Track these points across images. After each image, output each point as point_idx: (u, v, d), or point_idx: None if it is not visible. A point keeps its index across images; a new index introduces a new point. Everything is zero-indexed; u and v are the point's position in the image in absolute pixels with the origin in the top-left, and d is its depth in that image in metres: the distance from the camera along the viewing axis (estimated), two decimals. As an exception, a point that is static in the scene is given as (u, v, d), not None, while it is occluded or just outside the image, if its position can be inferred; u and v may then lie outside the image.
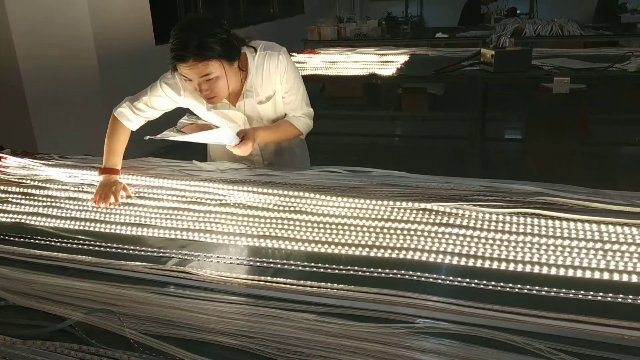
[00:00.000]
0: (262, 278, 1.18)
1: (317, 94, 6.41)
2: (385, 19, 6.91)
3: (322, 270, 1.21)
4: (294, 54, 4.63)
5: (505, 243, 1.27)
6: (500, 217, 1.39)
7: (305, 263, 1.24)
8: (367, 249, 1.28)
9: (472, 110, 4.04)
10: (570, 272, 1.14)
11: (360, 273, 1.18)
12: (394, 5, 8.90)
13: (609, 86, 4.94)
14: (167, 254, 1.33)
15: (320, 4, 9.44)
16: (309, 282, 1.14)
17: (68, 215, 1.60)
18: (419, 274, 1.16)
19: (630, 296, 1.04)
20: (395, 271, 1.18)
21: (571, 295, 1.06)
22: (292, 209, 1.52)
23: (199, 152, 1.99)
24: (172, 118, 1.91)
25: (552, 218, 1.37)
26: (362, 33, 6.31)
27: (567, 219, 1.35)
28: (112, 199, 1.64)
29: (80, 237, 1.45)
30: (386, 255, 1.26)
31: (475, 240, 1.29)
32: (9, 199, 1.73)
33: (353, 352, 0.91)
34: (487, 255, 1.23)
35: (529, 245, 1.25)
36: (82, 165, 1.95)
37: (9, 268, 1.27)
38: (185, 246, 1.37)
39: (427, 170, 1.69)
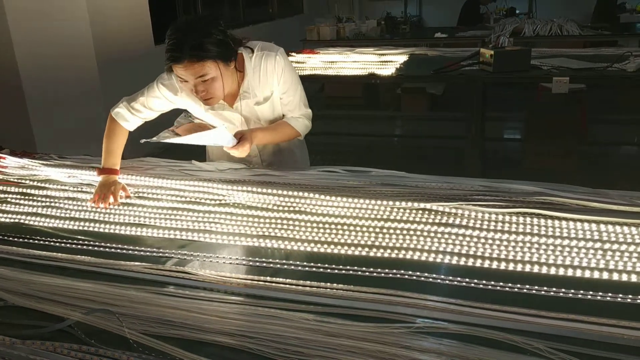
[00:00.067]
0: (262, 278, 1.18)
1: (316, 94, 6.42)
2: (385, 18, 6.91)
3: (321, 270, 1.21)
4: (293, 54, 4.63)
5: (505, 243, 1.27)
6: (500, 217, 1.39)
7: (305, 263, 1.24)
8: (366, 249, 1.28)
9: (472, 110, 4.05)
10: (570, 272, 1.14)
11: (359, 273, 1.18)
12: (393, 5, 8.90)
13: (608, 86, 4.94)
14: (166, 254, 1.33)
15: (319, 4, 9.43)
16: (308, 282, 1.14)
17: (67, 215, 1.60)
18: (418, 273, 1.16)
19: (630, 296, 1.04)
20: (394, 271, 1.18)
21: (571, 294, 1.06)
22: (291, 209, 1.52)
23: (198, 152, 1.99)
24: (170, 119, 1.90)
25: (552, 218, 1.37)
26: (361, 33, 6.32)
27: (567, 219, 1.35)
28: (111, 199, 1.64)
29: (79, 237, 1.45)
30: (385, 255, 1.26)
31: (475, 240, 1.29)
32: (8, 199, 1.73)
33: (352, 352, 0.91)
34: (487, 255, 1.23)
35: (528, 245, 1.25)
36: (81, 166, 1.95)
37: (8, 268, 1.27)
38: (185, 246, 1.37)
39: (426, 170, 1.69)
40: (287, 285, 1.14)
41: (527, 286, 1.09)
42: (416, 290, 1.09)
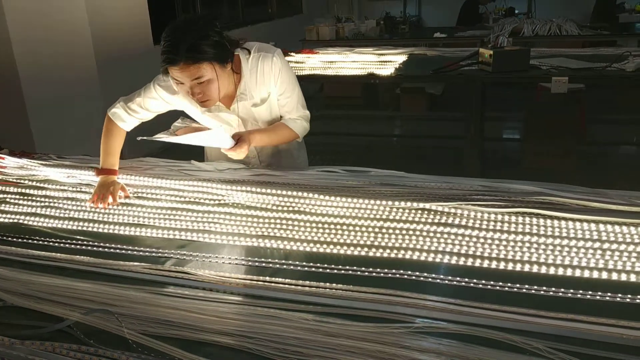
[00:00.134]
0: (261, 278, 1.18)
1: (316, 94, 6.42)
2: (384, 18, 6.91)
3: (320, 270, 1.21)
4: (292, 53, 4.62)
5: (504, 243, 1.27)
6: (499, 217, 1.39)
7: (304, 263, 1.24)
8: (365, 249, 1.28)
9: (471, 110, 4.05)
10: (569, 272, 1.14)
11: (359, 273, 1.18)
12: (392, 5, 8.90)
13: (607, 86, 4.94)
14: (165, 254, 1.33)
15: (318, 4, 9.43)
16: (307, 282, 1.14)
17: (66, 215, 1.60)
18: (417, 273, 1.16)
19: (629, 295, 1.04)
20: (394, 271, 1.18)
21: (570, 294, 1.06)
22: (290, 208, 1.52)
23: (197, 152, 1.99)
24: (168, 119, 1.90)
25: (551, 218, 1.37)
26: (361, 33, 6.32)
27: (566, 219, 1.35)
28: (110, 199, 1.64)
29: (78, 237, 1.45)
30: (385, 255, 1.26)
31: (474, 239, 1.29)
32: (7, 199, 1.73)
33: (352, 352, 0.91)
34: (486, 254, 1.23)
35: (527, 244, 1.25)
36: (80, 166, 1.94)
37: (7, 268, 1.27)
38: (184, 246, 1.37)
39: (425, 170, 1.69)
40: (287, 285, 1.14)
41: (527, 286, 1.09)
42: (415, 290, 1.09)
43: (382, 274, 1.17)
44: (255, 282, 1.17)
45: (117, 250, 1.36)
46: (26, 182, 1.86)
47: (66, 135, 3.72)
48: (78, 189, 1.78)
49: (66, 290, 1.15)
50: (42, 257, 1.33)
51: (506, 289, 1.09)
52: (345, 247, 1.29)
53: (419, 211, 1.45)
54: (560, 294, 1.06)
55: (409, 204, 1.47)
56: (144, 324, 1.02)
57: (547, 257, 1.20)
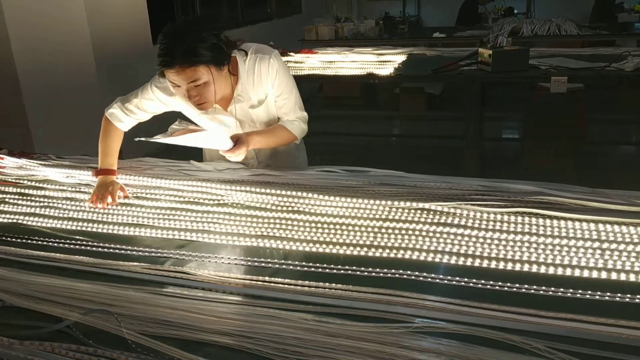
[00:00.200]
0: (260, 278, 1.18)
1: (315, 94, 6.41)
2: (383, 18, 6.90)
3: (320, 270, 1.21)
4: (291, 53, 4.62)
5: (504, 242, 1.27)
6: (498, 217, 1.39)
7: (304, 263, 1.24)
8: (365, 249, 1.28)
9: (470, 110, 4.05)
10: (569, 272, 1.14)
11: (358, 273, 1.18)
12: (391, 5, 8.89)
13: (606, 85, 4.94)
14: (164, 255, 1.33)
15: (317, 4, 9.43)
16: (307, 282, 1.14)
17: (65, 215, 1.60)
18: (417, 273, 1.16)
19: (629, 295, 1.04)
20: (393, 271, 1.17)
21: (569, 294, 1.06)
22: (290, 208, 1.52)
23: (196, 152, 1.98)
24: (165, 121, 1.89)
25: (550, 217, 1.37)
26: (360, 33, 6.31)
27: (565, 219, 1.35)
28: (109, 199, 1.64)
29: (77, 237, 1.45)
30: (384, 255, 1.26)
31: (474, 239, 1.29)
32: (6, 200, 1.72)
33: (351, 352, 0.91)
34: (485, 254, 1.23)
35: (527, 244, 1.25)
36: (79, 166, 1.94)
37: (6, 269, 1.27)
38: (183, 246, 1.37)
39: (425, 170, 1.69)
40: (286, 285, 1.14)
41: (526, 286, 1.09)
42: (415, 290, 1.09)
43: (381, 274, 1.17)
44: (254, 282, 1.17)
45: (117, 251, 1.36)
46: (25, 182, 1.86)
47: (65, 135, 3.72)
48: (77, 189, 1.78)
49: (65, 290, 1.15)
50: (41, 257, 1.33)
51: (505, 288, 1.09)
52: (344, 247, 1.29)
53: (419, 211, 1.45)
54: (560, 293, 1.06)
55: (408, 203, 1.47)
56: (143, 324, 1.02)
57: (546, 256, 1.20)
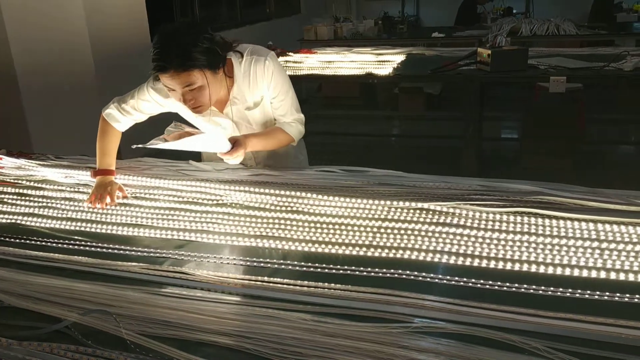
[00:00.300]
0: (259, 278, 1.18)
1: (314, 93, 6.41)
2: (382, 18, 6.90)
3: (319, 270, 1.20)
4: (290, 53, 4.62)
5: (503, 242, 1.27)
6: (497, 217, 1.39)
7: (302, 263, 1.24)
8: (364, 249, 1.28)
9: (469, 110, 4.05)
10: (568, 271, 1.14)
11: (357, 273, 1.18)
12: (390, 5, 8.88)
13: (605, 85, 4.95)
14: (163, 255, 1.32)
15: (316, 4, 9.43)
16: (306, 282, 1.14)
17: (64, 215, 1.60)
18: (416, 273, 1.16)
19: (628, 295, 1.04)
20: (392, 271, 1.17)
21: (568, 294, 1.06)
22: (289, 208, 1.52)
23: (194, 153, 1.98)
24: (164, 122, 1.89)
25: (549, 217, 1.37)
26: (359, 33, 6.31)
27: (564, 218, 1.35)
28: (108, 200, 1.64)
29: (76, 237, 1.45)
30: (383, 254, 1.26)
31: (473, 239, 1.29)
32: (5, 200, 1.72)
33: (350, 352, 0.91)
34: (485, 254, 1.23)
35: (526, 244, 1.25)
36: (78, 166, 1.94)
37: (4, 269, 1.27)
38: (182, 246, 1.37)
39: (424, 170, 1.69)
40: (285, 285, 1.14)
41: (525, 285, 1.09)
42: (414, 290, 1.09)
43: (380, 274, 1.17)
44: (253, 282, 1.17)
45: (115, 251, 1.36)
46: (24, 182, 1.86)
47: (64, 136, 3.71)
48: (76, 189, 1.78)
49: (64, 290, 1.15)
50: (39, 257, 1.33)
51: (505, 288, 1.09)
52: (343, 247, 1.29)
53: (418, 211, 1.44)
54: (559, 293, 1.06)
55: (407, 203, 1.47)
56: (142, 324, 1.02)
57: (545, 256, 1.20)
